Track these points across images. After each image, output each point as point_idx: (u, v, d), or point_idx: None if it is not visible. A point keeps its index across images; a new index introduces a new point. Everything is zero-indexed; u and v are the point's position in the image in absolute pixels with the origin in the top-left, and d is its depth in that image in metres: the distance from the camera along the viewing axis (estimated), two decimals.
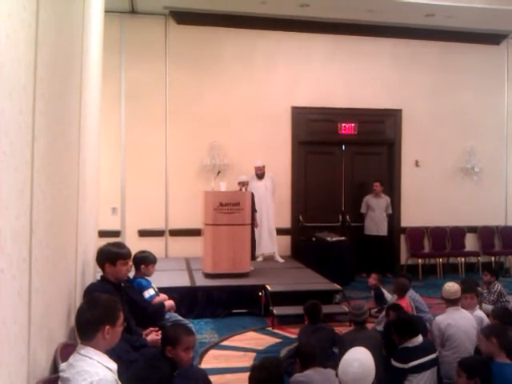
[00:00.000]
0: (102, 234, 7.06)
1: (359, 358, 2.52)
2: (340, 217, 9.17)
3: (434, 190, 9.28)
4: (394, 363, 3.63)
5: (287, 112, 8.84)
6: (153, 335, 3.76)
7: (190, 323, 4.36)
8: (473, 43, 9.38)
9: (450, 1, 7.90)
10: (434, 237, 9.30)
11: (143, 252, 4.56)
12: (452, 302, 4.33)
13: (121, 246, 3.88)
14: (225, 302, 6.41)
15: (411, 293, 5.21)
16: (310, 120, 8.91)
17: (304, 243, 8.39)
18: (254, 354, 5.03)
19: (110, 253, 3.69)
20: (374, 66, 9.10)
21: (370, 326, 4.77)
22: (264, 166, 8.10)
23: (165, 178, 8.45)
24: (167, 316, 4.42)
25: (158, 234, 8.37)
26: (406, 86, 9.23)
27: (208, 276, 6.81)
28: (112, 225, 8.11)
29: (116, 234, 8.07)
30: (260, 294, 6.35)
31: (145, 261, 4.50)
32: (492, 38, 9.44)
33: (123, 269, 3.74)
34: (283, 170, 8.76)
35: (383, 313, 5.31)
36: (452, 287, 4.41)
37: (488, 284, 5.77)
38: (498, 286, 5.74)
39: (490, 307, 5.52)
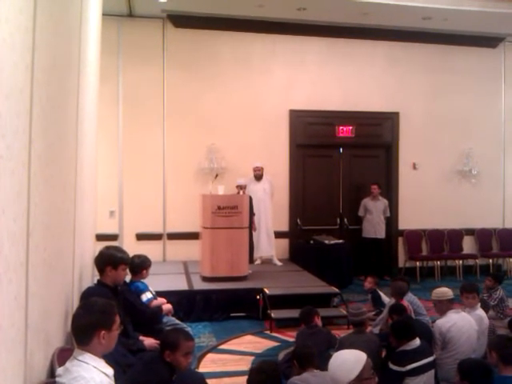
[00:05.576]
0: (100, 237, 7.06)
1: (353, 353, 2.54)
2: (338, 220, 9.17)
3: (432, 193, 9.29)
4: (392, 366, 3.63)
5: (285, 115, 8.85)
6: (150, 339, 3.75)
7: (188, 327, 4.36)
8: (469, 46, 9.43)
9: (447, 4, 7.93)
10: (431, 239, 9.31)
11: (139, 256, 4.54)
12: (443, 304, 4.33)
13: (122, 250, 3.88)
14: (223, 305, 6.40)
15: (409, 296, 5.21)
16: (307, 123, 8.93)
17: (302, 246, 8.38)
18: (252, 358, 5.02)
19: (114, 257, 3.69)
20: (371, 68, 9.13)
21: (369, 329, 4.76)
22: (262, 168, 8.13)
23: (163, 181, 8.45)
24: (165, 320, 4.41)
25: (155, 237, 8.36)
26: (403, 89, 9.25)
27: (206, 279, 6.80)
28: (110, 228, 8.10)
29: (114, 237, 8.05)
30: (258, 297, 6.34)
31: (144, 265, 4.49)
32: (488, 41, 9.47)
33: (123, 273, 3.77)
34: (281, 173, 8.77)
35: (381, 315, 5.31)
36: (440, 289, 4.46)
37: (490, 289, 5.77)
38: (499, 292, 5.75)
39: (490, 311, 5.54)
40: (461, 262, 9.13)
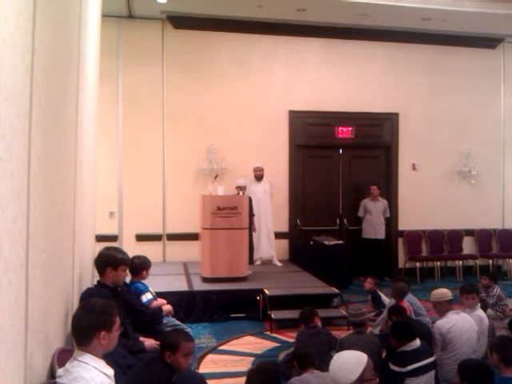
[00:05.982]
0: (100, 238, 7.06)
1: (355, 354, 2.53)
2: (338, 220, 9.17)
3: (432, 194, 9.29)
4: (392, 367, 3.63)
5: (284, 116, 8.85)
6: (151, 340, 3.75)
7: (188, 328, 4.36)
8: (469, 47, 9.43)
9: (446, 5, 7.93)
10: (431, 240, 9.31)
11: (139, 257, 4.55)
12: (442, 305, 4.33)
13: (122, 251, 3.89)
14: (223, 306, 6.39)
15: (409, 296, 5.21)
16: (307, 124, 8.93)
17: (302, 247, 8.38)
18: (253, 359, 5.02)
19: (114, 258, 3.69)
20: (370, 69, 9.13)
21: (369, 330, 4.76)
22: (263, 168, 8.14)
23: (162, 182, 8.45)
24: (165, 321, 4.41)
25: (155, 238, 8.36)
26: (403, 90, 9.26)
27: (206, 280, 6.80)
28: (109, 229, 8.09)
29: (113, 238, 8.05)
30: (258, 298, 6.34)
31: (144, 266, 4.50)
32: (488, 42, 9.48)
33: (123, 274, 3.77)
34: (281, 174, 8.77)
35: (381, 316, 5.31)
36: (439, 290, 4.45)
37: (487, 288, 5.78)
38: (496, 290, 5.76)
39: (489, 311, 5.53)
40: (461, 262, 9.13)
